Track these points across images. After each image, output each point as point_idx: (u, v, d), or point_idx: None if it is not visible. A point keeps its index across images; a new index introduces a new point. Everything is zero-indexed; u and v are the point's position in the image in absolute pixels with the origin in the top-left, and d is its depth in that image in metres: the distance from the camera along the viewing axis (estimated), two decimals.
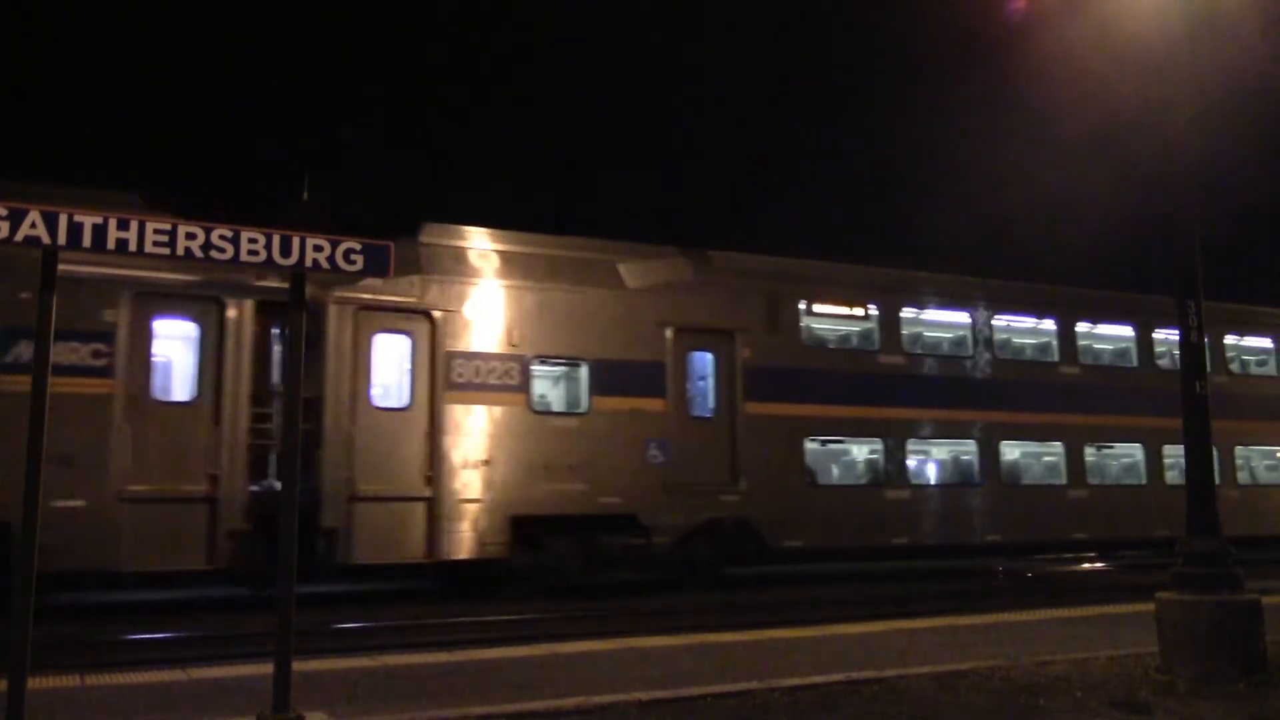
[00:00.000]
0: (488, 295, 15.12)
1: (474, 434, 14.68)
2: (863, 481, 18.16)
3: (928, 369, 18.72)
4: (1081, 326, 20.38)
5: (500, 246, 15.46)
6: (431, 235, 15.03)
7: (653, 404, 15.88)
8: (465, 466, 14.54)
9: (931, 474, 19.35)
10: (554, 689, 7.24)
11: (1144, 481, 20.28)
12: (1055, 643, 9.28)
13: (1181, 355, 8.31)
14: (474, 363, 14.80)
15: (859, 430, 17.85)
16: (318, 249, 5.98)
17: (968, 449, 18.93)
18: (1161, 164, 8.52)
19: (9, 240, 5.32)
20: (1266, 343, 22.75)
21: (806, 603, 14.75)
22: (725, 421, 16.49)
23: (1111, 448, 20.48)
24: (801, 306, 17.64)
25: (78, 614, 12.80)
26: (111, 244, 5.50)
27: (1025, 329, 20.56)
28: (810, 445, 17.37)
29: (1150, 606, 8.05)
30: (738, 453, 16.41)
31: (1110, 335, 21.27)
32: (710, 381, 16.73)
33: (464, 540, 14.37)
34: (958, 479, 19.13)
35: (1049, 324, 20.16)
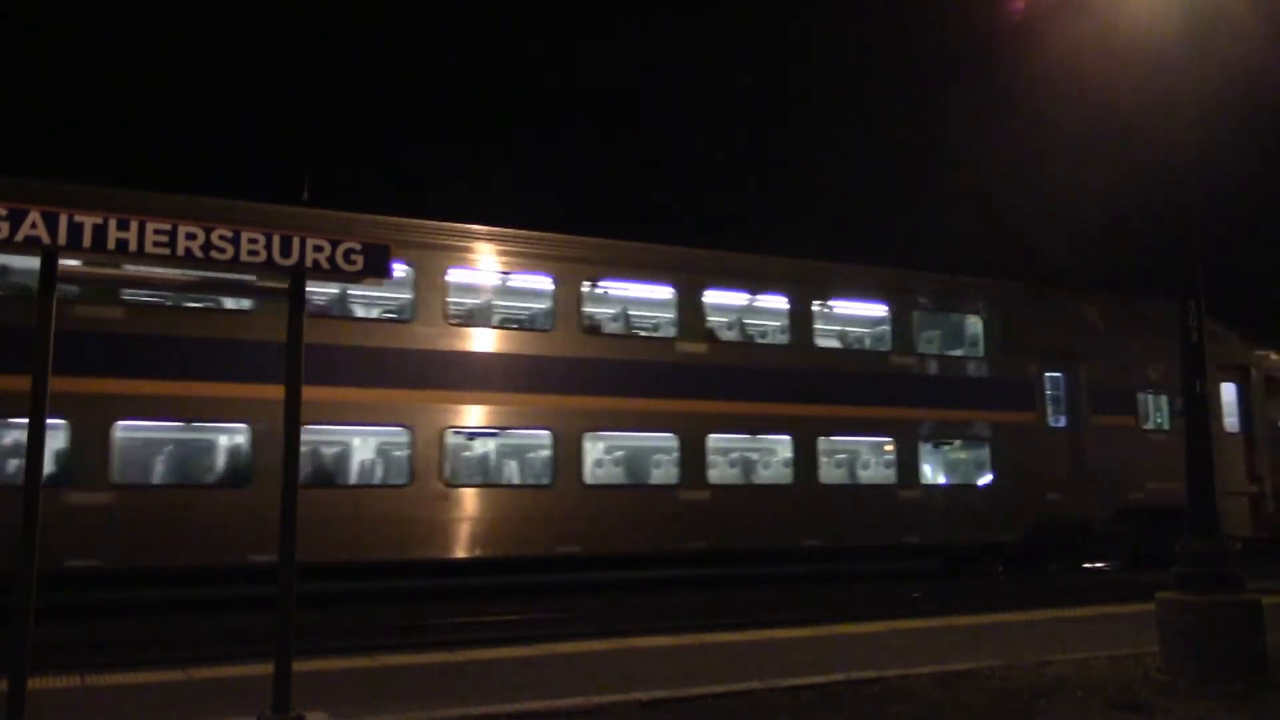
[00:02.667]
0: None
1: None
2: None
3: (153, 326, 13.30)
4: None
5: None
6: None
7: None
8: None
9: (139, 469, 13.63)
10: (554, 689, 7.23)
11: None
12: (1055, 643, 9.27)
13: (1181, 355, 8.30)
14: None
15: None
16: (318, 249, 5.97)
17: (237, 436, 13.83)
18: (1161, 163, 8.52)
19: (9, 240, 5.32)
20: (780, 303, 17.65)
21: (806, 603, 14.74)
22: None
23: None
24: None
25: (78, 614, 12.79)
26: (112, 244, 5.49)
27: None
28: None
29: (1150, 606, 8.05)
30: None
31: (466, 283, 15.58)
32: None
33: None
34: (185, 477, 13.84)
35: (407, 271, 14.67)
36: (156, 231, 5.58)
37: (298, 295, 6.14)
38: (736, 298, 17.55)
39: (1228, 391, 20.95)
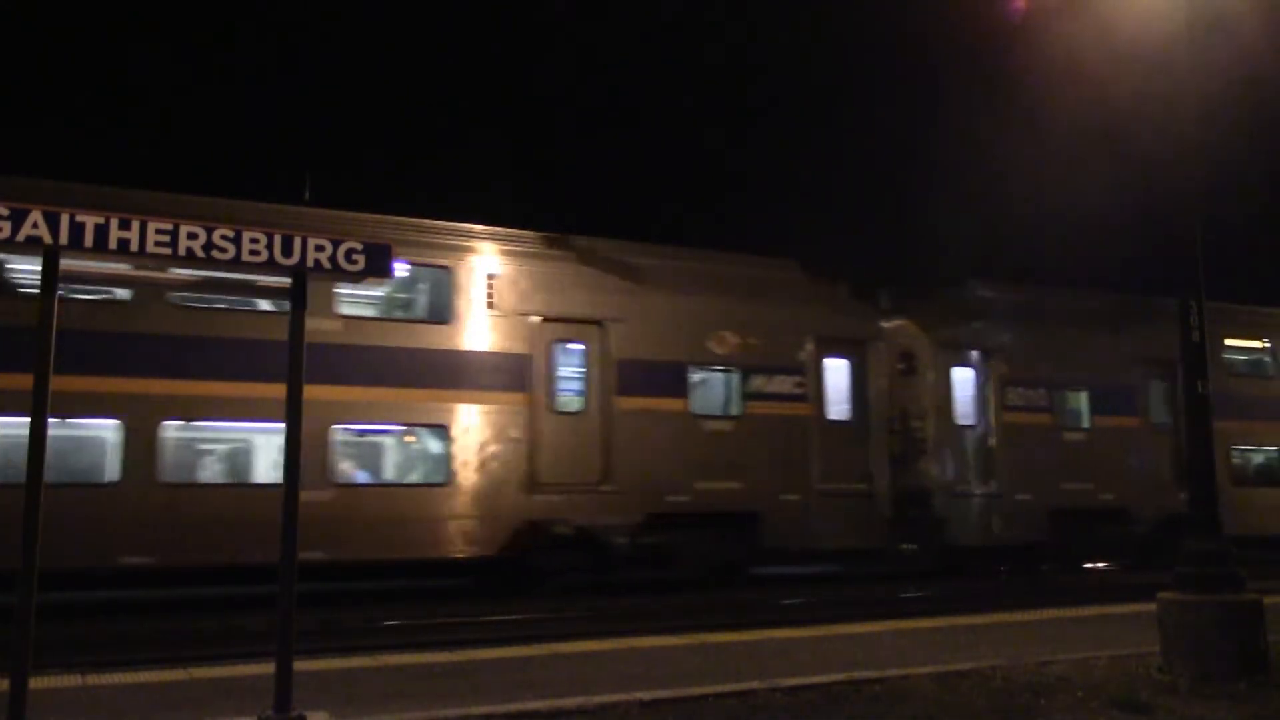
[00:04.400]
0: None
1: None
2: None
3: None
4: None
5: None
6: None
7: None
8: None
9: None
10: (555, 689, 7.23)
11: None
12: (1056, 643, 9.27)
13: (1182, 355, 8.30)
14: None
15: None
16: (319, 249, 5.97)
17: None
18: (1162, 162, 8.52)
19: (10, 240, 5.32)
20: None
21: (807, 603, 14.74)
22: None
23: None
24: None
25: (78, 614, 12.78)
26: (113, 244, 5.49)
27: None
28: None
29: (1151, 606, 8.06)
30: None
31: None
32: None
33: None
34: None
35: None
36: (158, 231, 5.57)
37: (300, 294, 6.13)
38: None
39: (836, 371, 17.57)
